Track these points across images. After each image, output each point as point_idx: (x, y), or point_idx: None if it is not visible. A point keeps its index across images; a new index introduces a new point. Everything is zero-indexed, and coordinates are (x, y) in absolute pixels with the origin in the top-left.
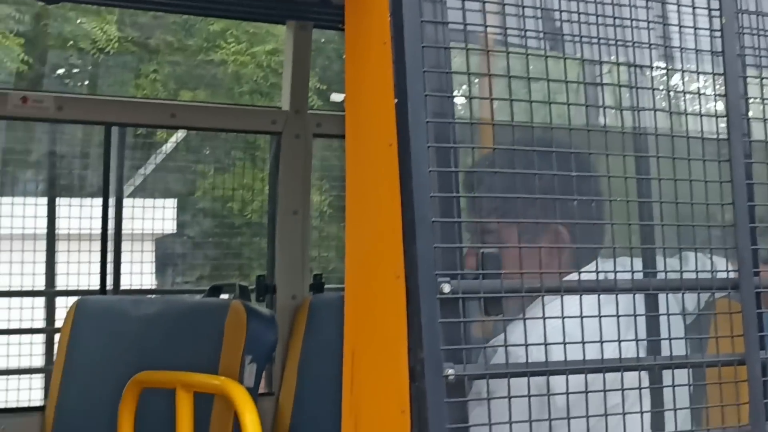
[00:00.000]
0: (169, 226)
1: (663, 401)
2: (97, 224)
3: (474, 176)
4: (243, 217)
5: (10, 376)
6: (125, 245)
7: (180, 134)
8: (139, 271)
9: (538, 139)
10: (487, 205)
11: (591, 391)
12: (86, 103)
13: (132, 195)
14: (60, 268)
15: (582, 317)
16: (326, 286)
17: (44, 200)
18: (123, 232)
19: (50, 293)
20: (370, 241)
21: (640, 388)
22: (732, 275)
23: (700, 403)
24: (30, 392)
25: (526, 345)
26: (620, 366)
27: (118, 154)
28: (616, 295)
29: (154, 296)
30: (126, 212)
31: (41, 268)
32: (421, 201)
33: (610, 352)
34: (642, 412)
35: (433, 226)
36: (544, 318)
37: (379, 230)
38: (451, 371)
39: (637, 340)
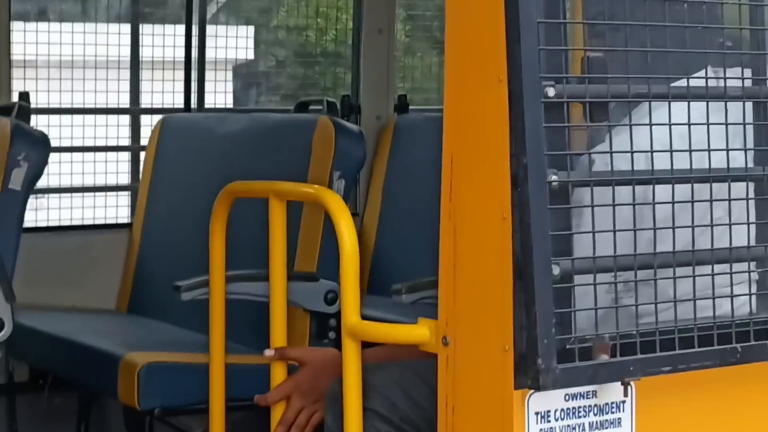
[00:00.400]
0: (247, 54)
1: None
2: (180, 52)
3: None
4: (320, 46)
5: (97, 194)
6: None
7: None
8: (222, 90)
9: None
10: (593, 7)
11: (697, 201)
12: None
13: (210, 22)
14: (144, 88)
15: (690, 124)
16: (410, 107)
17: (127, 27)
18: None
19: (135, 111)
20: (470, 43)
21: (747, 199)
22: None
23: None
24: (117, 209)
25: (632, 152)
26: (727, 176)
27: None
28: (725, 102)
29: (239, 114)
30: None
31: (125, 88)
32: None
33: (717, 161)
34: (748, 224)
35: (538, 27)
36: (650, 125)
37: (481, 32)
38: (554, 177)
39: (745, 149)
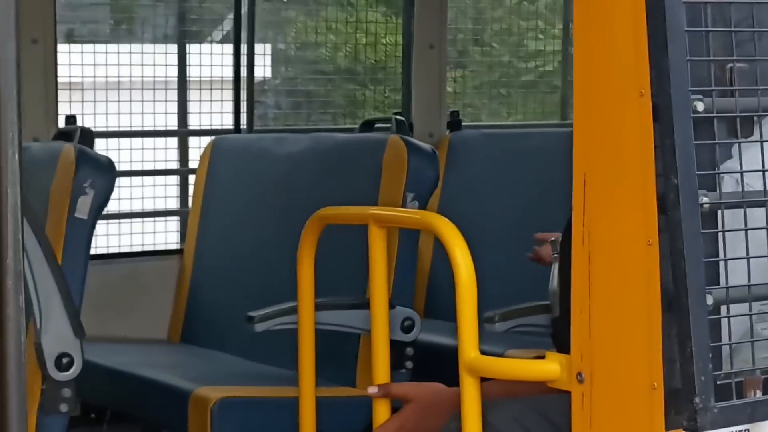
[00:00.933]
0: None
1: None
2: (228, 71)
3: None
4: (363, 63)
5: (145, 220)
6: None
7: None
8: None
9: None
10: (736, 15)
11: None
12: None
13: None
14: (192, 109)
15: None
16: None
17: (174, 47)
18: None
19: (183, 133)
20: (605, 53)
21: None
22: None
23: None
24: (166, 235)
25: None
26: None
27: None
28: None
29: (298, 134)
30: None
31: (173, 109)
32: (673, 6)
33: None
34: None
35: (684, 36)
36: None
37: (619, 41)
38: (705, 199)
39: None
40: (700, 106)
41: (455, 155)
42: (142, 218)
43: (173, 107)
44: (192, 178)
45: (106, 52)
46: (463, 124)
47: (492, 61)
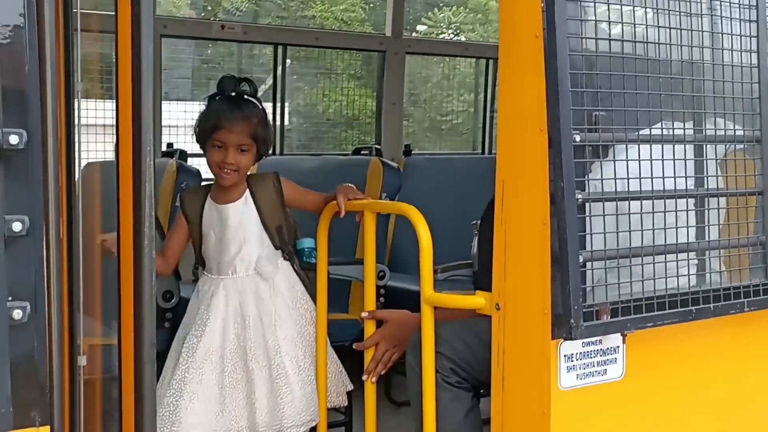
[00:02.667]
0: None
1: (705, 220)
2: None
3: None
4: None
5: None
6: None
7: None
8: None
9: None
10: (601, 79)
11: (658, 211)
12: (262, 29)
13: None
14: None
15: (651, 160)
16: (413, 152)
17: None
18: None
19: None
20: (518, 104)
21: (688, 210)
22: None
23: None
24: None
25: (628, 178)
26: (678, 194)
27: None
28: (673, 145)
29: (311, 156)
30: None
31: None
32: (562, 75)
33: (670, 183)
34: (687, 227)
35: (569, 94)
36: (639, 160)
37: (527, 96)
38: (579, 196)
39: (686, 176)
40: (578, 138)
41: (409, 171)
42: None
43: None
44: None
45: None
46: (412, 152)
47: (423, 116)
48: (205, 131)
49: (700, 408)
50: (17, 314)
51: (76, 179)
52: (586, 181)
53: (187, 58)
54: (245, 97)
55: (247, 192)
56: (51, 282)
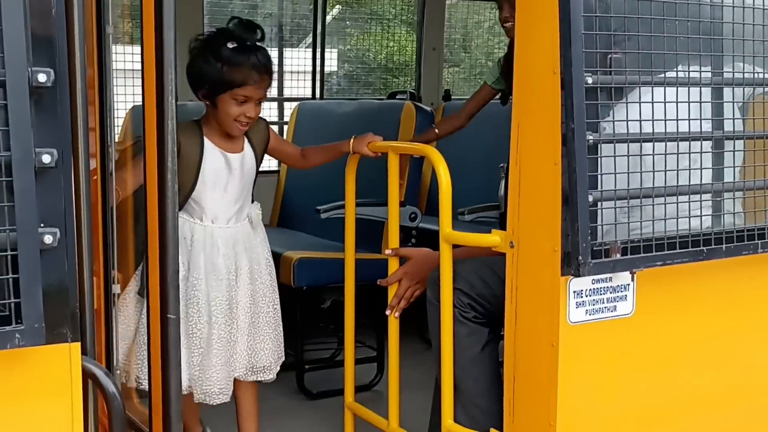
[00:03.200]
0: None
1: (723, 161)
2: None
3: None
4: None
5: None
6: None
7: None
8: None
9: None
10: (615, 22)
11: (670, 153)
12: None
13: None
14: (286, 85)
15: (665, 102)
16: (453, 97)
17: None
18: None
19: (280, 99)
20: (533, 48)
21: (702, 152)
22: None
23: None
24: (269, 162)
25: (640, 120)
26: (692, 136)
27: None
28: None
29: (349, 100)
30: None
31: (275, 85)
32: (576, 17)
33: (687, 126)
34: (701, 169)
35: (582, 38)
36: (652, 102)
37: (542, 41)
38: (591, 137)
39: (701, 119)
40: (590, 80)
41: (447, 115)
42: None
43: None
44: (285, 128)
45: None
46: (452, 97)
47: (472, 62)
48: (224, 83)
49: (710, 349)
50: (48, 239)
51: (110, 119)
52: (598, 125)
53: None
54: (258, 44)
55: (246, 140)
56: (81, 210)
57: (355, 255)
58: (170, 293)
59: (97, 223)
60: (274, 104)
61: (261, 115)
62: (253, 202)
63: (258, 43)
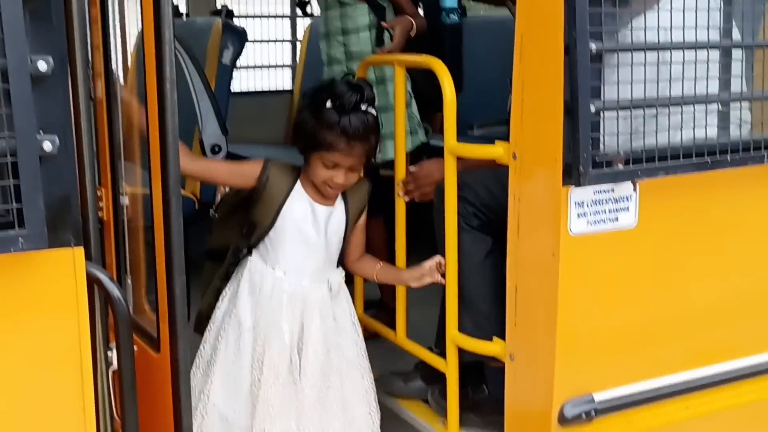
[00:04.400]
0: None
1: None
2: None
3: None
4: None
5: (270, 69)
6: None
7: None
8: None
9: None
10: None
11: (676, 62)
12: None
13: None
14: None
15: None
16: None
17: None
18: None
19: (293, 17)
20: (537, 13)
21: (707, 62)
22: None
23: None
24: (283, 80)
25: (632, 28)
26: (699, 45)
27: None
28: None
29: None
30: None
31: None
32: None
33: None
34: (707, 78)
35: None
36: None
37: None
38: (593, 46)
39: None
40: None
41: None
42: (268, 68)
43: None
44: (299, 45)
45: None
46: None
47: None
48: (313, 143)
49: (715, 262)
50: (47, 146)
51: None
52: (602, 33)
53: None
54: (361, 106)
55: (341, 197)
56: (81, 120)
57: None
58: (173, 220)
59: (104, 135)
60: (287, 21)
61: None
62: (337, 267)
63: (363, 105)
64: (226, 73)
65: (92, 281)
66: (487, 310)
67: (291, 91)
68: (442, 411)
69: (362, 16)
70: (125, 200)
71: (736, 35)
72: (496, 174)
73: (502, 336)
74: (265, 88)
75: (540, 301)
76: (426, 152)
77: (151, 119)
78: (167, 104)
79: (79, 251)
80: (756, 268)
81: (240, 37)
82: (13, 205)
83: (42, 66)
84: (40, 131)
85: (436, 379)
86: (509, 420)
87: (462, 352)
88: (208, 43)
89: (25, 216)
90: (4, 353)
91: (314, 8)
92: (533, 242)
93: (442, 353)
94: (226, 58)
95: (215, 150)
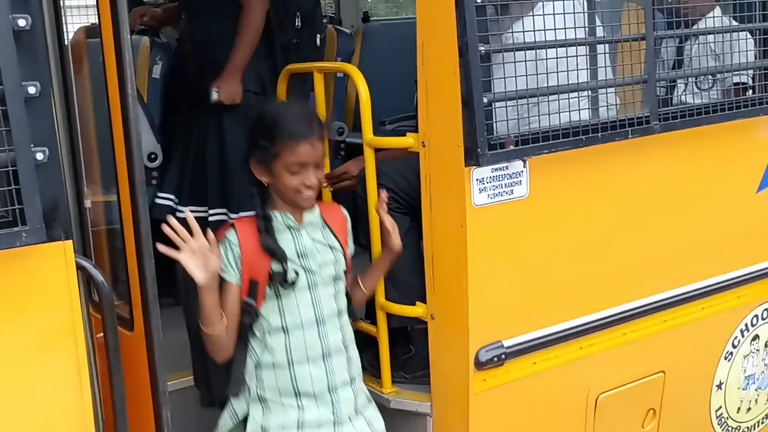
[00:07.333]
0: None
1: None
2: None
3: None
4: None
5: None
6: None
7: None
8: None
9: None
10: None
11: (552, 58)
12: None
13: None
14: None
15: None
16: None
17: None
18: None
19: None
20: (434, 22)
21: (576, 56)
22: None
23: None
24: None
25: (514, 32)
26: (568, 42)
27: None
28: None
29: None
30: None
31: None
32: None
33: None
34: (578, 70)
35: None
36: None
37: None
38: (482, 48)
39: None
40: (479, 0)
41: (367, 37)
42: None
43: None
44: None
45: None
46: (371, 19)
47: None
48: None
49: (597, 223)
50: (39, 156)
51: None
52: (488, 38)
53: None
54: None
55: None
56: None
57: None
58: (140, 204)
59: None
60: None
61: None
62: None
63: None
64: (157, 85)
65: (78, 269)
66: (409, 279)
67: None
68: (376, 371)
69: None
70: (87, 203)
71: (600, 32)
72: (409, 162)
73: (424, 300)
74: None
75: (453, 266)
76: (343, 149)
77: (115, 125)
78: (129, 114)
79: (69, 244)
80: (629, 227)
81: (167, 52)
82: (15, 206)
83: (32, 90)
84: (32, 144)
85: (369, 344)
86: (434, 371)
87: (390, 319)
88: (137, 59)
89: (26, 215)
90: (8, 336)
91: None
92: (444, 216)
93: (373, 322)
94: (156, 72)
95: (152, 158)
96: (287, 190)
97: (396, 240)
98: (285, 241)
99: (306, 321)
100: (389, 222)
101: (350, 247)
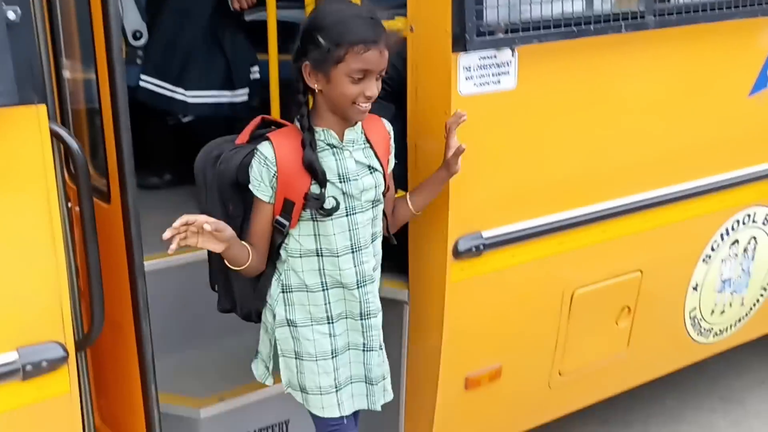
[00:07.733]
0: None
1: None
2: None
3: None
4: None
5: None
6: None
7: None
8: None
9: None
10: None
11: None
12: None
13: None
14: None
15: None
16: None
17: None
18: None
19: None
20: None
21: None
22: None
23: None
24: None
25: None
26: None
27: None
28: None
29: None
30: None
31: None
32: None
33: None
34: None
35: None
36: None
37: None
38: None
39: None
40: None
41: None
42: None
43: None
44: None
45: None
46: None
47: None
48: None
49: (584, 117)
50: (11, 15)
51: None
52: None
53: None
54: None
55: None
56: None
57: None
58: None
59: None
60: None
61: None
62: None
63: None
64: None
65: (53, 136)
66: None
67: None
68: None
69: None
70: (66, 74)
71: None
72: (397, 49)
73: (405, 188)
74: None
75: (435, 154)
76: None
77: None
78: None
79: (42, 108)
80: (615, 125)
81: None
82: None
83: None
84: (3, 3)
85: None
86: (413, 260)
87: None
88: None
89: None
90: None
91: None
92: (429, 104)
93: None
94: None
95: (137, 36)
96: (343, 100)
97: (458, 165)
98: (327, 161)
99: (341, 248)
100: (456, 144)
101: (391, 163)
